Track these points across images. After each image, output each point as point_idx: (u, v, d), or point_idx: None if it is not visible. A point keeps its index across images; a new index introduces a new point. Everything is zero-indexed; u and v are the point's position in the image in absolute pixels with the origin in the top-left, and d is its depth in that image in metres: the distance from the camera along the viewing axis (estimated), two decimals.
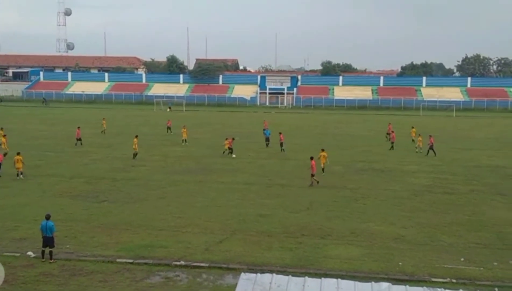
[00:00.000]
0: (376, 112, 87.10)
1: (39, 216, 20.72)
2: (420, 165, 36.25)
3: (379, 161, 37.97)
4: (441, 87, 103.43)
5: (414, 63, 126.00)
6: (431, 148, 40.28)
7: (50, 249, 17.07)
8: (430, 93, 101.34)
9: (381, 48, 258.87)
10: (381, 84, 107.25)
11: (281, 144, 41.60)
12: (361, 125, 64.89)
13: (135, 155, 36.84)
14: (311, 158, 29.42)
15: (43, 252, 17.13)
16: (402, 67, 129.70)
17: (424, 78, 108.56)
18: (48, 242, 17.06)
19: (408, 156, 39.93)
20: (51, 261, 16.98)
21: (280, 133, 42.97)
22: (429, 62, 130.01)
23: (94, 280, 15.66)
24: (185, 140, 45.12)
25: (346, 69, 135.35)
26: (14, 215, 22.41)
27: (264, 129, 48.35)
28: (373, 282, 8.23)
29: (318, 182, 28.77)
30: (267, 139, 44.19)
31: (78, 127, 44.50)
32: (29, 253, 17.69)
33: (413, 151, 41.71)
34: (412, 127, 49.75)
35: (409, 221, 22.36)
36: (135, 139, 37.30)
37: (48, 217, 17.37)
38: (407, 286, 8.50)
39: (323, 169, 31.79)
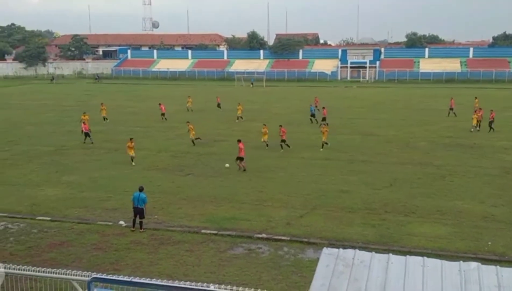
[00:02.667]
0: (465, 85, 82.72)
1: (129, 187, 21.94)
2: None
3: (467, 136, 36.22)
4: None
5: (507, 33, 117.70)
6: (490, 123, 37.72)
7: (140, 220, 18.00)
8: None
9: (471, 17, 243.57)
10: (471, 56, 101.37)
11: (323, 119, 41.16)
12: (448, 100, 61.96)
13: (194, 140, 33.71)
14: (239, 141, 27.10)
15: (133, 221, 18.09)
16: (493, 38, 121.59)
17: None
18: (139, 212, 17.96)
19: (499, 131, 37.66)
20: (141, 230, 17.91)
21: (323, 108, 43.25)
22: None
23: (181, 249, 16.37)
24: (240, 117, 44.68)
25: (433, 40, 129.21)
26: (106, 186, 23.82)
27: (311, 105, 46.30)
28: (461, 262, 7.93)
29: (244, 169, 26.49)
30: (312, 115, 43.63)
31: (160, 104, 46.54)
32: (121, 222, 18.77)
33: (505, 126, 39.21)
34: (476, 98, 48.15)
35: (499, 199, 21.28)
36: (189, 125, 34.09)
37: (141, 189, 18.23)
38: (498, 266, 8.13)
39: (323, 144, 31.73)
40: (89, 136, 34.09)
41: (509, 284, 7.18)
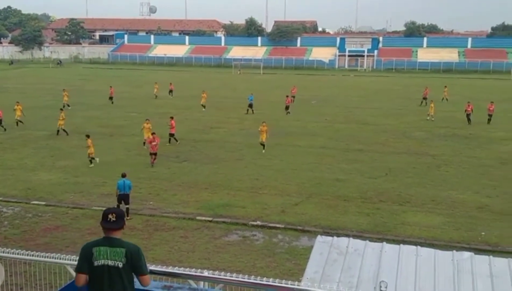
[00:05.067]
0: (462, 76, 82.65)
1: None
2: (509, 132, 34.25)
3: (463, 127, 36.27)
4: None
5: (506, 23, 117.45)
6: (468, 115, 37.29)
7: (126, 206, 17.68)
8: None
9: (470, 7, 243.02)
10: (469, 46, 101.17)
11: (287, 107, 41.27)
12: (455, 89, 61.96)
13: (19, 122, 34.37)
14: (171, 118, 29.49)
15: (117, 207, 17.89)
16: (492, 28, 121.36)
17: None
18: (124, 198, 17.79)
19: (496, 122, 37.70)
20: (128, 218, 17.70)
21: (287, 96, 43.10)
22: None
23: (176, 235, 16.40)
24: (203, 105, 42.80)
25: (431, 30, 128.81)
26: (101, 171, 23.76)
27: (250, 95, 43.08)
28: (454, 251, 7.96)
29: (176, 141, 29.12)
30: (250, 106, 41.05)
31: (110, 87, 47.84)
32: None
33: (502, 117, 39.25)
34: (445, 87, 50.08)
35: (494, 190, 21.36)
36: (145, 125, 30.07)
37: (124, 175, 18.11)
38: (491, 256, 8.16)
39: (263, 145, 27.95)
40: (0, 124, 33.49)
41: (501, 274, 7.21)
